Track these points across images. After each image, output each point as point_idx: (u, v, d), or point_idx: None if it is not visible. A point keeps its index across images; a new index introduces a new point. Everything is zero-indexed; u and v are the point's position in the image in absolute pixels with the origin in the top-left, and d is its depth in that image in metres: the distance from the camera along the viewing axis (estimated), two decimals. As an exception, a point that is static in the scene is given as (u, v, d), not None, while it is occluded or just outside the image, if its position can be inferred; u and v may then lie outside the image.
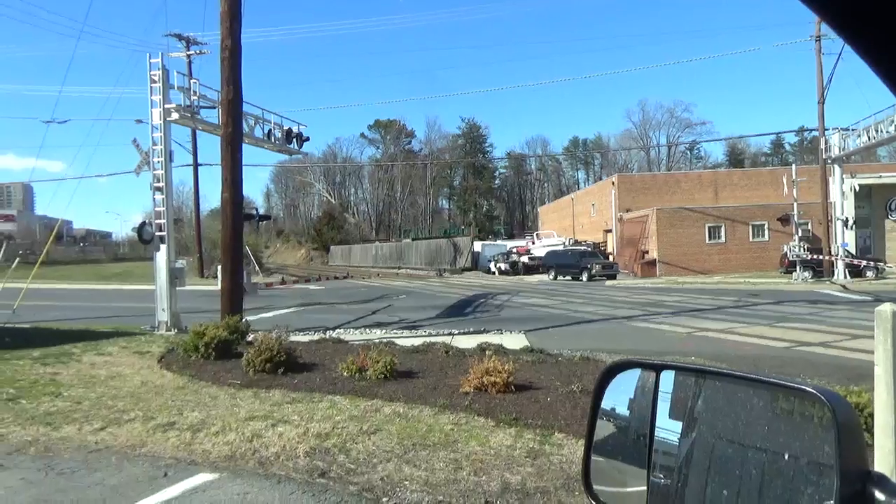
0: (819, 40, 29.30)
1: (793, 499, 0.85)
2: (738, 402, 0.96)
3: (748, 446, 0.92)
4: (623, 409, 1.14)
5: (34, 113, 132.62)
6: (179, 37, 34.74)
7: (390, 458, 5.56)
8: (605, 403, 1.16)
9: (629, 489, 1.07)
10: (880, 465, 3.68)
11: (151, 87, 14.92)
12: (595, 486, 1.14)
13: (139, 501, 4.78)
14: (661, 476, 1.02)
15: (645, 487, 1.04)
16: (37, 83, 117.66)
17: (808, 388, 0.87)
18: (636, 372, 1.16)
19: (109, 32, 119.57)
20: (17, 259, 19.74)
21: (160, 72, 14.87)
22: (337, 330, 14.46)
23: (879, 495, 0.80)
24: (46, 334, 13.35)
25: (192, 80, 16.04)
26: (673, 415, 1.04)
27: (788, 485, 0.86)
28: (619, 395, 1.15)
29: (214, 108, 15.76)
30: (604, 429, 1.16)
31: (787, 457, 0.87)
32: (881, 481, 0.81)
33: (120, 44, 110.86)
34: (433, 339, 11.79)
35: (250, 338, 11.14)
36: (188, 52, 34.52)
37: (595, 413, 1.17)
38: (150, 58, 15.06)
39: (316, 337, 12.78)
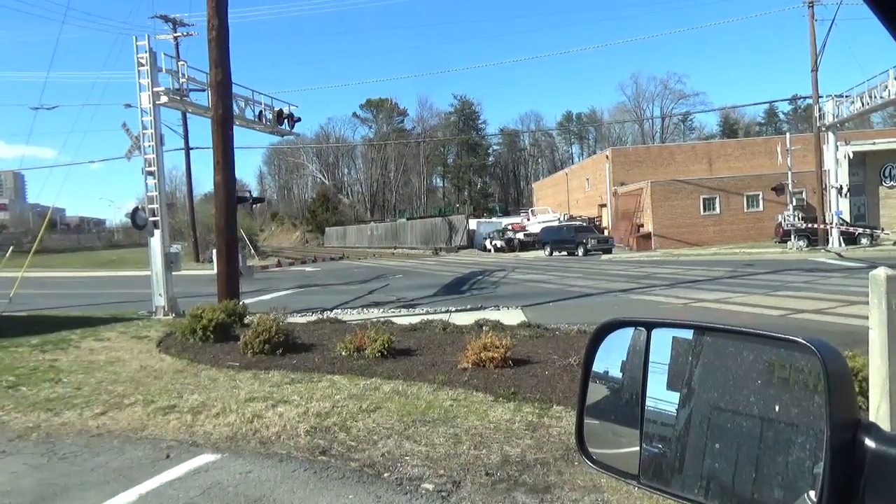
0: (812, 6, 29.10)
1: (785, 450, 0.86)
2: (730, 356, 0.96)
3: (740, 400, 0.92)
4: (615, 371, 1.15)
5: (21, 99, 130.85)
6: (166, 18, 34.33)
7: (390, 434, 5.61)
8: (598, 366, 1.17)
9: (623, 450, 1.08)
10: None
11: (139, 70, 14.69)
12: (590, 448, 1.15)
13: (143, 482, 4.81)
14: (653, 433, 1.03)
15: (638, 448, 1.05)
16: (23, 69, 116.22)
17: (797, 339, 0.87)
18: (628, 332, 1.16)
19: (94, 15, 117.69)
20: (11, 248, 19.70)
21: (147, 54, 14.63)
22: (334, 310, 14.49)
23: (870, 443, 0.81)
24: (44, 322, 13.33)
25: (179, 63, 15.83)
26: (665, 373, 1.04)
27: (780, 436, 0.86)
28: (610, 357, 1.16)
29: (204, 90, 15.58)
30: (597, 391, 1.16)
31: (777, 409, 0.88)
32: (871, 429, 0.82)
33: (106, 27, 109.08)
34: (430, 317, 11.82)
35: (248, 320, 11.16)
36: (175, 34, 33.99)
37: (587, 374, 1.17)
38: (136, 40, 14.80)
39: (313, 318, 12.81)
